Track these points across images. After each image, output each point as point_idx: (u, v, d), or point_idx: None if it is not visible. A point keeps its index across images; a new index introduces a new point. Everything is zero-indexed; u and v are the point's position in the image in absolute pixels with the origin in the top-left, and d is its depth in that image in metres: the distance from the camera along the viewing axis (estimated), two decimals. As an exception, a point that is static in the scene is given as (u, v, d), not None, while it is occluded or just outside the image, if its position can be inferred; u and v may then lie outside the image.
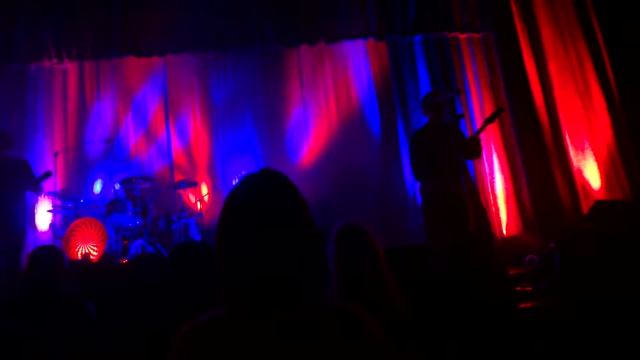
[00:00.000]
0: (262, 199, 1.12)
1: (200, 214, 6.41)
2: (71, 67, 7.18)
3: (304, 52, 7.44)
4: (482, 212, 4.82)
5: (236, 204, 1.14)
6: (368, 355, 1.03)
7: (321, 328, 1.04)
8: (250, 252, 1.07)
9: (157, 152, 7.14)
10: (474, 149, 4.85)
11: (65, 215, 6.25)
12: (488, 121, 4.98)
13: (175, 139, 7.18)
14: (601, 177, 5.24)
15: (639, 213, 4.28)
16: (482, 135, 4.97)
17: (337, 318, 1.05)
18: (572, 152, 5.26)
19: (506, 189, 6.82)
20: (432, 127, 5.07)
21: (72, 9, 7.03)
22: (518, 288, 4.14)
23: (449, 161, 4.79)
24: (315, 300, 1.09)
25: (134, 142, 7.12)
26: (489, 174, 6.93)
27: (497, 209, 6.79)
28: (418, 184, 5.13)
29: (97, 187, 6.80)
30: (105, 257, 5.64)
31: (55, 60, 7.01)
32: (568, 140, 5.30)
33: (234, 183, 6.76)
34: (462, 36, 7.29)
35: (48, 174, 5.24)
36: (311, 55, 7.46)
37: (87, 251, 5.57)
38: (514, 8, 5.52)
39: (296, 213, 1.13)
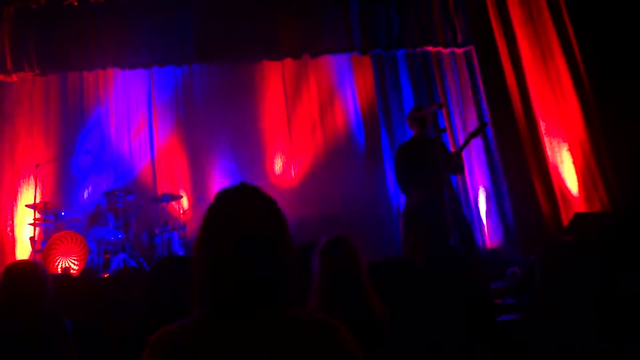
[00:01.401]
0: (240, 207, 1.18)
1: (183, 227, 6.36)
2: (54, 78, 7.12)
3: (288, 66, 7.48)
4: (464, 224, 4.88)
5: (216, 212, 1.20)
6: None
7: (302, 328, 1.09)
8: (231, 255, 1.11)
9: (140, 165, 7.08)
10: (456, 164, 4.92)
11: (45, 229, 6.15)
12: (472, 135, 5.08)
13: (159, 152, 7.14)
14: (580, 188, 5.32)
15: (617, 225, 4.35)
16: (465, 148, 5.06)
17: (317, 323, 1.11)
18: (551, 164, 5.34)
19: (488, 201, 6.90)
20: (416, 140, 5.16)
21: (56, 20, 6.99)
22: (499, 301, 4.16)
23: (432, 174, 4.86)
24: (294, 305, 1.15)
25: (117, 154, 7.06)
26: (471, 186, 7.01)
27: (480, 220, 6.86)
28: (403, 197, 5.19)
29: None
30: (86, 271, 5.55)
31: (37, 71, 6.94)
32: (548, 152, 5.38)
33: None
34: (445, 51, 7.41)
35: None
36: (296, 68, 7.50)
37: (67, 265, 5.48)
38: (494, 23, 5.63)
39: (272, 219, 1.19)
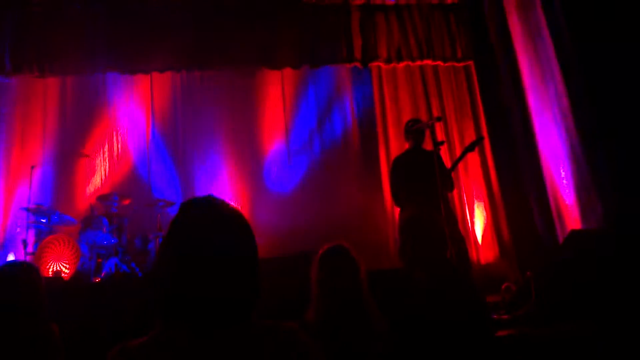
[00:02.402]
0: (203, 224, 1.15)
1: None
2: (52, 80, 7.09)
3: (287, 75, 7.49)
4: (459, 239, 4.88)
5: (177, 225, 1.18)
6: None
7: (260, 345, 1.08)
8: (190, 273, 1.09)
9: (136, 169, 7.05)
10: (449, 180, 4.97)
11: (38, 231, 6.09)
12: (468, 150, 5.11)
13: (156, 157, 7.11)
14: (576, 205, 5.33)
15: (612, 242, 4.34)
16: (461, 162, 5.10)
17: (274, 335, 1.10)
18: (548, 180, 5.35)
19: (484, 216, 6.91)
20: (412, 153, 5.19)
21: (57, 23, 6.98)
22: (495, 316, 4.14)
23: (428, 188, 4.89)
24: (251, 320, 1.13)
25: (114, 158, 7.02)
26: (467, 201, 7.01)
27: (475, 236, 6.86)
28: (398, 210, 5.21)
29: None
30: (77, 275, 5.49)
31: (36, 74, 6.91)
32: (544, 168, 5.39)
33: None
34: (444, 65, 7.45)
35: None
36: (295, 78, 7.52)
37: (58, 269, 5.42)
38: (493, 39, 5.67)
39: (235, 237, 1.16)
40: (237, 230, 1.17)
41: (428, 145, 5.07)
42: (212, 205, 1.21)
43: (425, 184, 4.91)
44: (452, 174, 5.05)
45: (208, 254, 1.10)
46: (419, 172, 5.00)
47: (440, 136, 6.95)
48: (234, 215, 1.20)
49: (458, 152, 7.11)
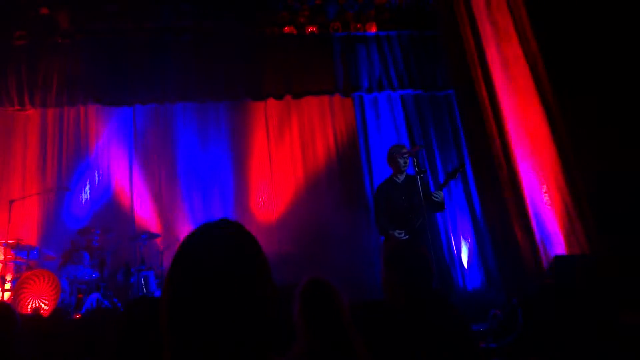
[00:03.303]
0: (214, 255, 1.05)
1: (160, 267, 6.21)
2: (33, 113, 7.05)
3: (271, 106, 7.55)
4: (444, 267, 4.89)
5: (187, 258, 1.08)
6: None
7: None
8: (199, 314, 1.00)
9: (118, 202, 6.97)
10: (437, 203, 4.99)
11: (17, 267, 5.95)
12: (450, 176, 5.21)
13: (139, 189, 7.04)
14: (560, 231, 5.37)
15: (596, 267, 4.37)
16: (445, 189, 5.18)
17: None
18: (530, 207, 5.40)
19: (468, 243, 6.94)
20: (395, 180, 5.23)
21: (39, 56, 6.98)
22: (482, 344, 4.11)
23: (412, 215, 4.97)
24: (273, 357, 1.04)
25: (95, 191, 6.94)
26: (452, 228, 7.04)
27: (461, 263, 6.87)
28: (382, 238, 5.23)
29: None
30: (57, 312, 5.35)
31: (17, 107, 6.88)
32: (527, 195, 5.45)
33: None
34: (425, 94, 7.58)
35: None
36: (278, 108, 7.58)
37: (37, 305, 5.28)
38: (472, 68, 5.77)
39: (250, 272, 1.06)
40: (251, 263, 1.07)
41: (411, 170, 5.17)
42: (225, 233, 1.10)
43: (409, 211, 5.01)
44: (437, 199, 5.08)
45: (216, 288, 1.01)
46: (402, 199, 5.10)
47: (423, 164, 7.05)
48: (248, 247, 1.10)
49: (441, 179, 7.19)
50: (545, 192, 5.47)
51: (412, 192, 5.07)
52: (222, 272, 1.04)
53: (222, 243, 1.09)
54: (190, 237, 1.12)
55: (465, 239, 6.99)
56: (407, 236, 5.03)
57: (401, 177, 5.29)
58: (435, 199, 5.03)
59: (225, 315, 1.00)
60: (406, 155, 5.20)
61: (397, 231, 5.08)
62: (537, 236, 5.25)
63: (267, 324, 1.05)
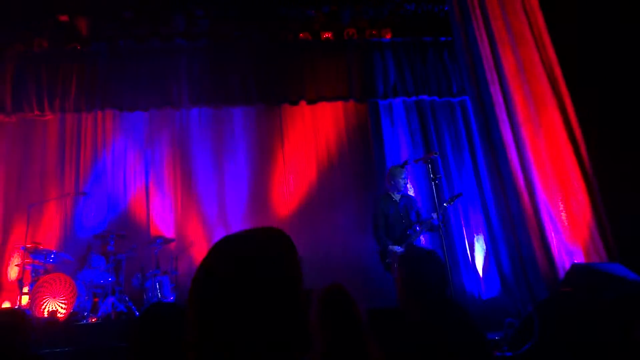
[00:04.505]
0: (245, 256, 1.07)
1: (175, 271, 6.25)
2: (52, 118, 7.15)
3: (285, 111, 7.57)
4: (459, 275, 4.85)
5: (219, 259, 1.09)
6: None
7: None
8: (228, 314, 1.01)
9: (134, 207, 7.03)
10: (432, 224, 5.31)
11: (34, 270, 6.03)
12: (448, 202, 5.49)
13: (154, 194, 7.10)
14: (577, 239, 5.30)
15: (612, 276, 4.30)
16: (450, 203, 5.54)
17: None
18: (546, 215, 5.33)
19: (484, 251, 6.87)
20: (392, 197, 5.52)
21: (57, 63, 7.10)
22: (498, 353, 4.06)
23: (407, 231, 5.35)
24: None
25: (111, 195, 7.02)
26: (467, 237, 6.98)
27: (476, 271, 6.80)
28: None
29: None
30: (73, 315, 5.41)
31: (37, 112, 6.99)
32: (543, 202, 5.39)
33: (213, 241, 6.69)
34: (440, 100, 7.55)
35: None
36: (293, 114, 7.59)
37: (54, 309, 5.34)
38: (488, 75, 5.73)
39: (281, 275, 1.08)
40: (282, 272, 1.08)
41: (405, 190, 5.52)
42: (261, 242, 1.12)
43: (404, 227, 5.35)
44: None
45: (246, 294, 1.02)
46: (399, 215, 5.40)
47: (438, 170, 7.00)
48: (282, 256, 1.11)
49: (456, 185, 7.15)
50: (561, 201, 5.40)
51: (407, 210, 5.41)
52: (252, 273, 1.05)
53: (254, 245, 1.11)
54: (224, 241, 1.13)
55: (481, 247, 6.92)
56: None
57: (397, 195, 5.52)
58: (430, 220, 5.27)
59: (253, 317, 1.01)
60: (405, 179, 5.50)
61: (397, 246, 5.29)
62: (554, 244, 5.18)
63: (295, 326, 1.06)
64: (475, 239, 6.97)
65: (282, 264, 1.10)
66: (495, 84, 5.70)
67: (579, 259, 5.10)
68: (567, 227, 5.26)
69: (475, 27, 5.88)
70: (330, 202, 7.17)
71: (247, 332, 1.01)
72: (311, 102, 7.48)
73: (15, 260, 6.25)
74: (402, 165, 5.66)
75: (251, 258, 1.07)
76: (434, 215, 5.21)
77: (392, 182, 5.50)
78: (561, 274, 4.99)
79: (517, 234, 5.36)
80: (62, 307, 5.38)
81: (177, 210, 7.07)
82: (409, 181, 5.58)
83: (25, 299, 5.61)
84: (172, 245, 6.57)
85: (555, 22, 5.99)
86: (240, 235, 1.14)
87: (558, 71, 5.67)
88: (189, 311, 1.07)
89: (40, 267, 5.83)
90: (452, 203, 5.51)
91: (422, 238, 6.73)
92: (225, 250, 1.11)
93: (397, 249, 5.24)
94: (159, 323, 1.97)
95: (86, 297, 5.65)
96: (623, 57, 5.82)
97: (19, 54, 7.04)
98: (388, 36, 7.66)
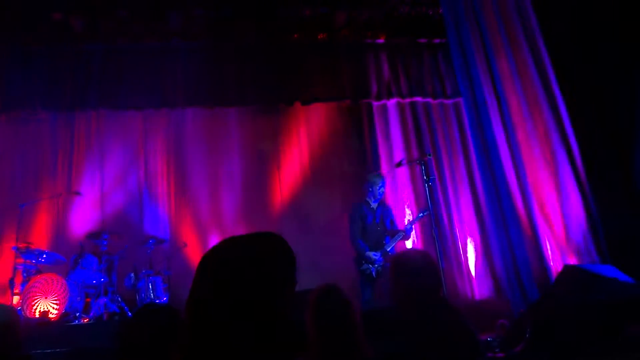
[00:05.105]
0: (239, 258, 1.09)
1: (168, 272, 6.23)
2: (45, 117, 7.10)
3: (280, 112, 7.58)
4: (452, 276, 4.86)
5: (213, 261, 1.11)
6: None
7: None
8: (221, 316, 1.02)
9: (127, 207, 7.00)
10: (402, 233, 5.52)
11: (26, 270, 5.98)
12: (413, 222, 5.82)
13: (147, 194, 7.08)
14: (569, 240, 5.34)
15: (603, 277, 4.33)
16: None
17: None
18: (539, 217, 5.36)
19: (476, 252, 6.89)
20: (369, 203, 5.61)
21: (50, 59, 7.04)
22: (490, 354, 4.08)
23: (383, 239, 5.50)
24: None
25: (104, 195, 6.98)
26: (461, 238, 7.00)
27: (468, 272, 6.82)
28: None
29: None
30: (64, 316, 5.38)
31: (29, 111, 6.93)
32: (536, 204, 5.42)
33: (209, 242, 6.69)
34: (434, 102, 7.57)
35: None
36: (288, 114, 7.60)
37: (46, 309, 5.31)
38: (482, 77, 5.77)
39: (273, 277, 1.09)
40: (271, 276, 1.09)
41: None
42: (254, 248, 1.13)
43: (380, 234, 5.52)
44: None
45: (234, 295, 1.04)
46: (375, 223, 5.54)
47: (431, 172, 7.03)
48: (274, 258, 1.12)
49: (449, 187, 7.18)
50: (554, 202, 5.44)
51: (383, 218, 5.58)
52: (246, 276, 1.06)
53: (249, 249, 1.12)
54: (223, 243, 1.15)
55: (473, 249, 6.94)
56: (382, 259, 5.39)
57: (375, 203, 5.63)
58: (396, 235, 5.52)
59: (246, 318, 1.03)
60: (382, 188, 5.64)
61: (373, 253, 5.40)
62: (545, 245, 5.22)
63: (288, 328, 1.07)
64: (468, 240, 6.99)
65: (277, 269, 1.11)
66: (488, 86, 5.73)
67: (571, 260, 5.13)
68: (560, 229, 5.29)
69: (469, 30, 5.91)
70: (325, 202, 7.17)
71: (239, 334, 1.01)
72: (305, 102, 7.49)
73: (7, 260, 6.20)
74: (380, 175, 5.84)
75: (246, 261, 1.08)
76: (407, 225, 5.59)
77: (370, 190, 5.61)
78: (553, 275, 5.02)
79: (509, 236, 5.38)
80: (53, 308, 5.34)
81: (170, 210, 7.05)
82: (385, 190, 5.77)
83: (16, 299, 5.57)
84: (166, 245, 6.55)
85: (549, 25, 6.05)
86: (237, 239, 1.16)
87: (551, 74, 5.72)
88: (185, 312, 1.08)
89: (32, 267, 5.78)
90: (418, 220, 5.85)
91: (415, 239, 6.80)
92: (222, 253, 1.12)
93: (374, 255, 5.37)
94: (150, 324, 1.96)
95: (78, 298, 5.61)
96: (616, 61, 5.88)
97: (11, 51, 6.98)
98: (382, 38, 7.68)
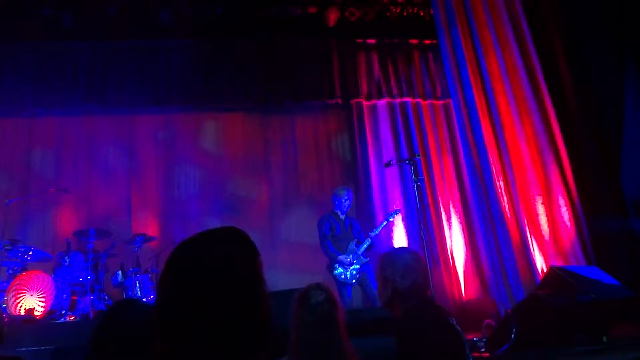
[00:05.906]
0: (206, 257, 1.07)
1: (155, 269, 6.20)
2: (33, 114, 7.02)
3: (270, 111, 7.57)
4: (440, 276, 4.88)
5: (179, 260, 1.09)
6: None
7: None
8: (189, 316, 1.00)
9: (115, 205, 6.96)
10: (371, 245, 5.62)
11: (11, 267, 5.91)
12: (380, 228, 5.87)
13: (136, 193, 7.04)
14: (555, 241, 5.39)
15: (588, 279, 4.38)
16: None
17: None
18: (526, 217, 5.41)
19: (465, 252, 6.93)
20: (338, 214, 5.73)
21: (38, 56, 6.98)
22: (475, 354, 4.11)
23: (353, 244, 5.58)
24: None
25: (92, 192, 6.93)
26: (449, 238, 7.04)
27: (456, 272, 6.86)
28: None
29: None
30: (50, 313, 5.33)
31: (16, 107, 6.85)
32: (523, 205, 5.47)
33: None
34: (424, 102, 7.60)
35: None
36: (277, 114, 7.59)
37: (31, 306, 5.25)
38: (471, 78, 5.81)
39: (241, 275, 1.07)
40: (242, 270, 1.07)
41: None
42: (221, 240, 1.12)
43: (349, 241, 5.60)
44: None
45: (203, 291, 1.01)
46: (345, 231, 5.67)
47: (420, 172, 7.05)
48: (242, 254, 1.11)
49: (438, 187, 7.21)
50: (541, 203, 5.49)
51: (352, 228, 5.77)
52: (212, 274, 1.05)
53: (215, 246, 1.10)
54: (185, 241, 1.12)
55: (461, 249, 6.98)
56: (355, 261, 5.51)
57: (342, 215, 5.78)
58: (370, 242, 5.63)
59: (209, 317, 1.01)
60: (348, 200, 5.77)
61: (345, 256, 5.50)
62: (531, 246, 5.27)
63: (258, 327, 1.05)
64: (455, 240, 7.03)
65: (239, 264, 1.09)
66: (478, 87, 5.78)
67: (557, 261, 5.18)
68: (546, 230, 5.34)
69: (459, 31, 5.95)
70: (314, 202, 7.17)
71: (203, 333, 1.00)
72: (296, 102, 7.48)
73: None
74: (345, 188, 5.95)
75: (207, 258, 1.07)
76: (372, 236, 5.68)
77: (337, 203, 5.76)
78: (539, 276, 5.07)
79: (497, 236, 5.43)
80: (39, 305, 5.28)
81: (159, 208, 7.02)
82: (351, 202, 5.87)
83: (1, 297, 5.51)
84: (153, 243, 6.51)
85: (539, 28, 6.10)
86: (199, 236, 1.13)
87: (541, 76, 5.77)
88: (153, 311, 1.07)
89: (17, 264, 5.71)
90: (391, 219, 6.02)
91: (406, 240, 6.84)
92: (183, 251, 1.11)
93: (345, 258, 5.48)
94: (121, 320, 1.93)
95: (64, 295, 5.55)
96: (605, 63, 5.94)
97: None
98: (373, 38, 7.70)
